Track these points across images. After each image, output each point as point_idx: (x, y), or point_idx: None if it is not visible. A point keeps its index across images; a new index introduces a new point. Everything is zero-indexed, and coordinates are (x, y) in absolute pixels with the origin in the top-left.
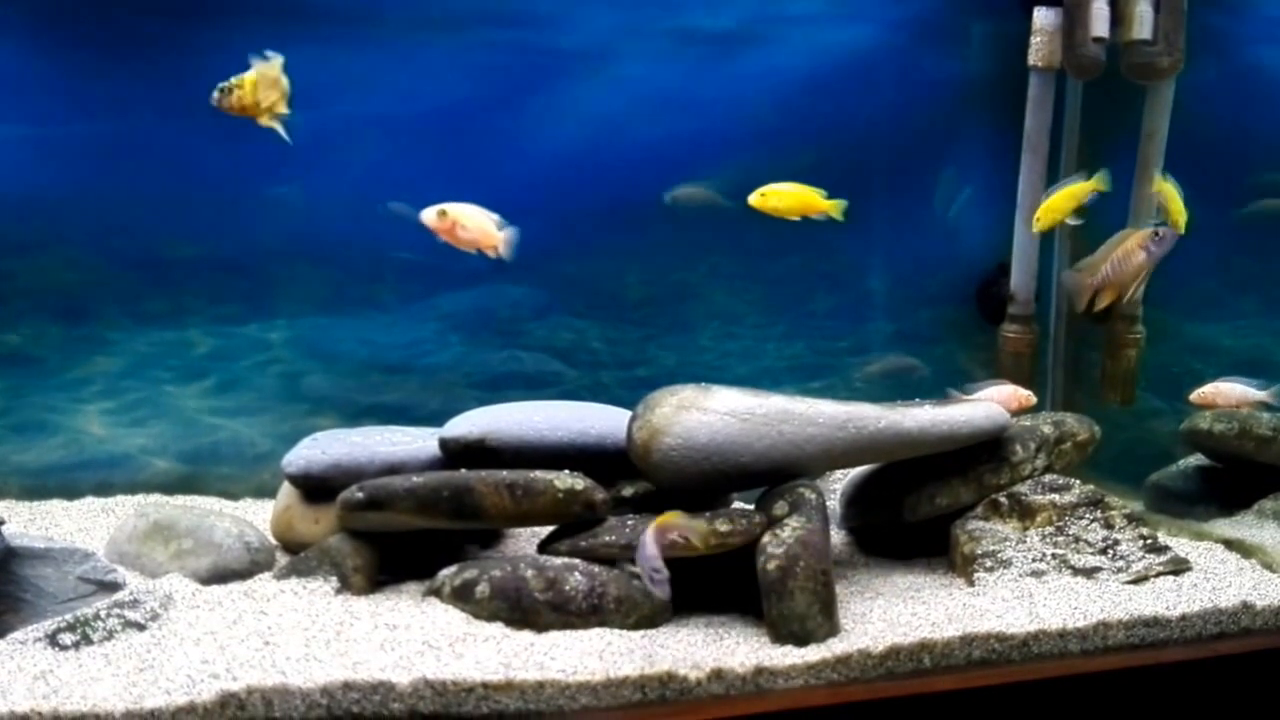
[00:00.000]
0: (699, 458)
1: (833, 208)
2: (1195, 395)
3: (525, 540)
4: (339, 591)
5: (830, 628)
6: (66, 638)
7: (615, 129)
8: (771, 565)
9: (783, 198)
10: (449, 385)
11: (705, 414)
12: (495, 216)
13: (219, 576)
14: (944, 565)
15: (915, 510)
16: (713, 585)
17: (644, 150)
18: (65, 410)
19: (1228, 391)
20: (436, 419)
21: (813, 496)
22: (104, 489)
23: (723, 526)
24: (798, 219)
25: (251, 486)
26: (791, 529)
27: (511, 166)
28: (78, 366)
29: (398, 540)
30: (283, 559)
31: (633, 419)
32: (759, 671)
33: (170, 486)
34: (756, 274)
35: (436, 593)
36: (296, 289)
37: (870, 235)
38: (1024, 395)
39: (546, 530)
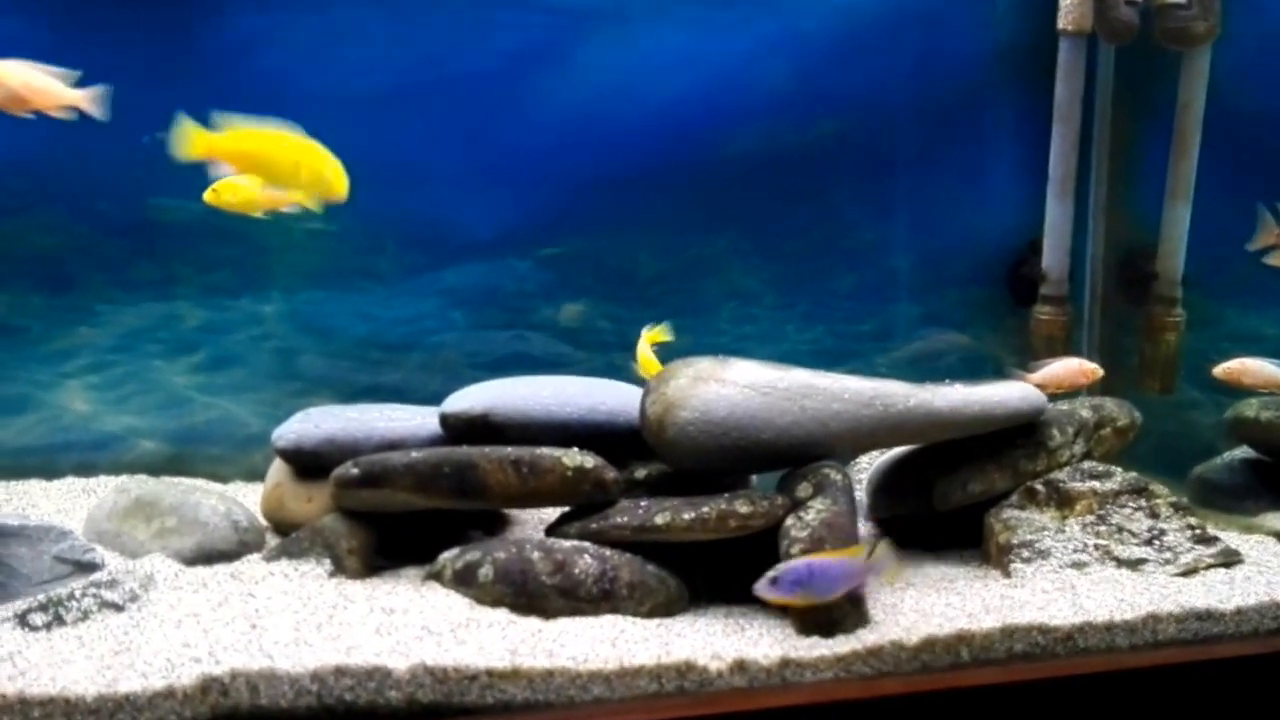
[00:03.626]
0: (717, 433)
1: (304, 197)
2: (1220, 370)
3: (532, 526)
4: (332, 574)
5: (859, 617)
6: (38, 618)
7: (626, 94)
8: (796, 549)
9: (238, 192)
10: (451, 365)
11: (724, 386)
12: (68, 72)
13: (204, 557)
14: (977, 556)
15: (947, 498)
16: (731, 572)
17: (657, 117)
18: (46, 385)
19: (1255, 369)
20: (437, 400)
21: (838, 478)
22: (86, 469)
23: (743, 508)
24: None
25: (242, 469)
26: (816, 511)
27: (515, 133)
28: (60, 338)
29: (395, 522)
30: (273, 540)
31: (646, 393)
32: (784, 663)
33: (156, 468)
34: (776, 250)
35: (437, 576)
36: (292, 259)
37: (894, 211)
38: (1090, 368)
39: (552, 516)
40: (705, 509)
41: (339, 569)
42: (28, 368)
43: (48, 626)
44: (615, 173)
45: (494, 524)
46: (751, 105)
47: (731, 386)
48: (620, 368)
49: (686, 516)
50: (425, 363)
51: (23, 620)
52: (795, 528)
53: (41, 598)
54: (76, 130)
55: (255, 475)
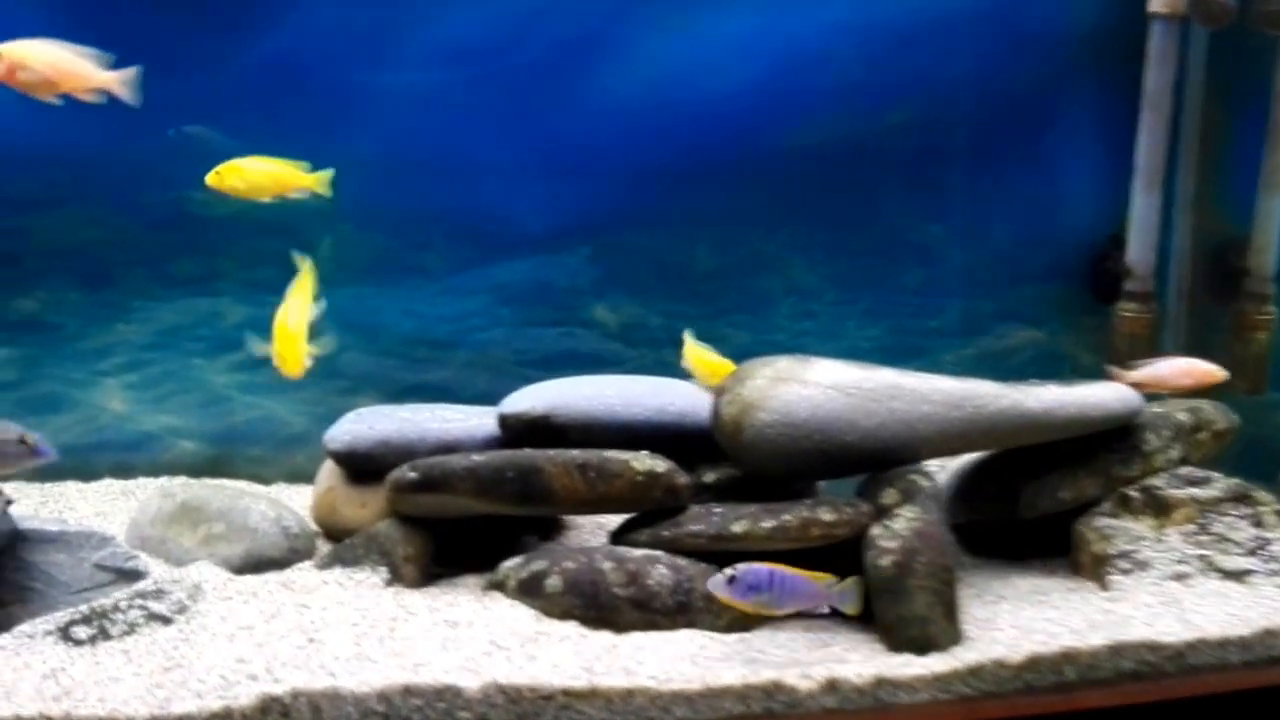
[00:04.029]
0: (798, 436)
1: (315, 182)
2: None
3: (589, 532)
4: (389, 583)
5: (954, 634)
6: (81, 631)
7: (686, 81)
8: (885, 561)
9: (245, 176)
10: (498, 363)
11: (806, 387)
12: (101, 53)
13: (253, 565)
14: (1064, 567)
15: (1033, 505)
16: None
17: (717, 106)
18: (83, 383)
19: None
20: (484, 401)
21: (927, 484)
22: (123, 470)
23: (826, 515)
24: (270, 200)
25: (284, 470)
26: (906, 520)
27: (570, 124)
28: (98, 335)
29: (450, 528)
30: (324, 546)
31: (720, 393)
32: (879, 683)
33: (196, 469)
34: (839, 244)
35: (499, 586)
36: (338, 254)
37: (966, 203)
38: (1208, 369)
39: (612, 522)
40: (786, 516)
41: (395, 577)
42: (64, 366)
43: (92, 640)
44: (672, 164)
45: (550, 530)
46: (817, 94)
47: (814, 387)
48: (673, 366)
49: (766, 524)
50: (472, 361)
51: (65, 633)
52: (883, 537)
53: (84, 608)
54: (117, 120)
55: (298, 477)
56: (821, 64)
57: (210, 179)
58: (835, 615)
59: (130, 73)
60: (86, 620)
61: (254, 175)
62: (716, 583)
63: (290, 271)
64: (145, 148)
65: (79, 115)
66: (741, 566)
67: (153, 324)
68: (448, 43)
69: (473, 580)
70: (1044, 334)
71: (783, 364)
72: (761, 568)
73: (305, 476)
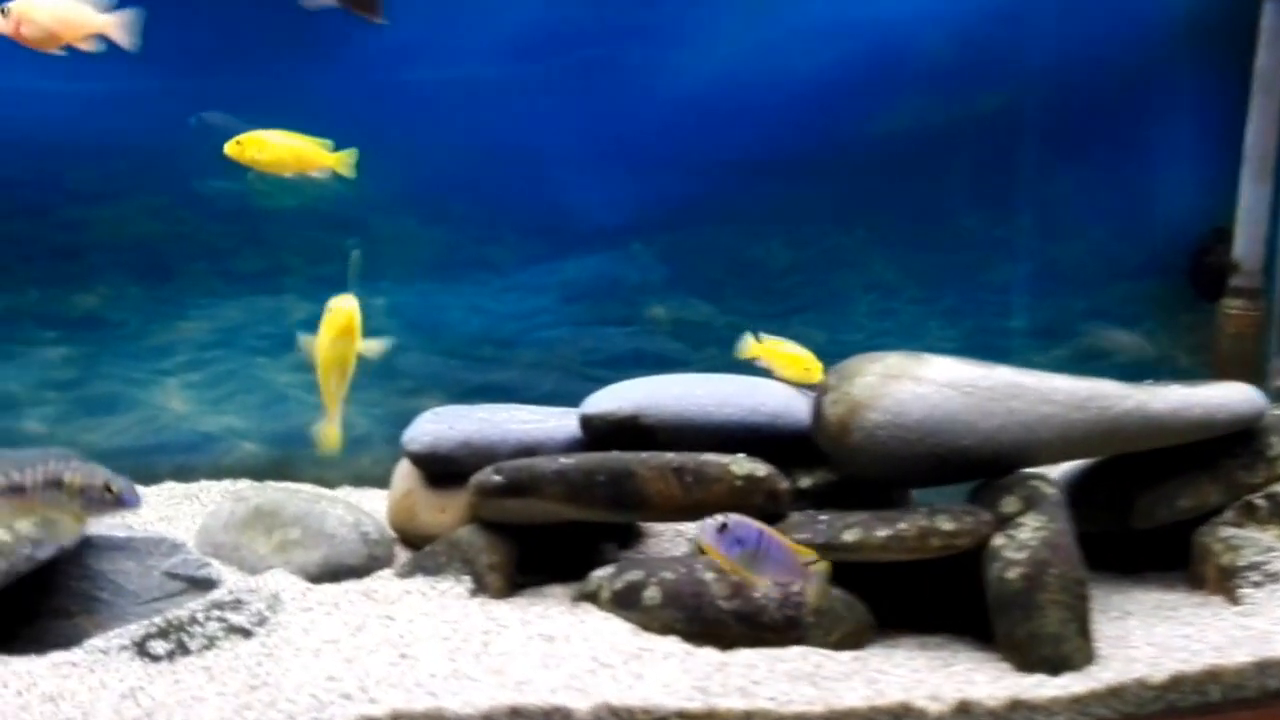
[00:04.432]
0: (911, 439)
1: (337, 162)
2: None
3: (669, 540)
4: (474, 593)
5: (1088, 652)
6: (158, 646)
7: (762, 66)
8: (1013, 574)
9: (265, 148)
10: (566, 363)
11: (920, 385)
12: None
13: (331, 573)
14: (1182, 580)
15: (1150, 514)
16: (914, 597)
17: (795, 94)
18: (144, 383)
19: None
20: (550, 402)
21: (1051, 491)
22: (184, 473)
23: (946, 524)
24: (291, 175)
25: (349, 473)
26: (1032, 530)
27: (642, 109)
28: (160, 332)
29: (532, 535)
30: (402, 553)
31: (823, 392)
32: (1014, 705)
33: (259, 471)
34: (921, 238)
35: (592, 598)
36: (403, 249)
37: (1060, 193)
38: None
39: (692, 527)
40: (902, 525)
41: (480, 587)
42: (123, 364)
43: (170, 655)
44: (747, 154)
45: (628, 537)
46: (902, 79)
47: (929, 385)
48: (744, 367)
49: (881, 534)
50: (539, 360)
51: (141, 648)
52: (1008, 548)
53: (160, 621)
54: (180, 110)
55: (362, 480)
56: (906, 46)
57: (230, 148)
58: (947, 630)
59: (129, 14)
60: (163, 634)
61: (275, 148)
62: (707, 527)
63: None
64: (208, 138)
65: (142, 105)
66: (735, 518)
67: (215, 321)
68: (517, 32)
69: (559, 590)
70: (1140, 334)
71: (894, 360)
72: (753, 525)
73: (370, 480)
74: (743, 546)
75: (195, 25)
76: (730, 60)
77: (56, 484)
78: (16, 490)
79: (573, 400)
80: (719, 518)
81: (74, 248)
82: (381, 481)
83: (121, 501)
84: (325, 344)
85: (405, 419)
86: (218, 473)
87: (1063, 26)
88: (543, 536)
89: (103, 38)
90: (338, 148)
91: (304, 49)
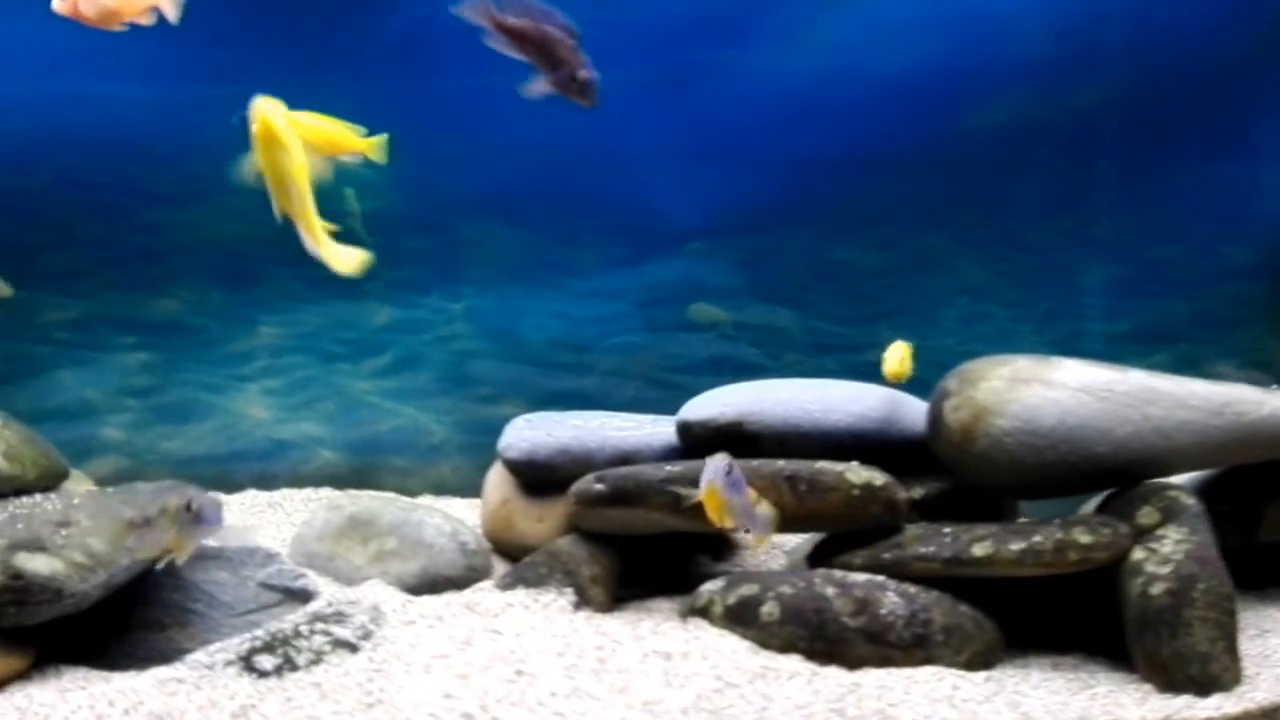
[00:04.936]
0: (1042, 446)
1: (369, 147)
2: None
3: (763, 552)
4: (577, 606)
5: (1236, 672)
6: (265, 660)
7: (852, 61)
8: (1157, 589)
9: (300, 130)
10: (646, 369)
11: (1051, 389)
12: None
13: (430, 584)
14: None
15: (1278, 528)
16: (1041, 614)
17: (885, 90)
18: (221, 389)
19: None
20: (630, 407)
21: (1191, 502)
22: (264, 481)
23: (1083, 537)
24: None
25: (428, 482)
26: (1174, 543)
27: (727, 109)
28: (240, 338)
29: (631, 546)
30: (499, 564)
31: (943, 397)
32: None
33: (339, 480)
34: (1016, 239)
35: (703, 613)
36: (485, 252)
37: (1161, 192)
38: None
39: (789, 542)
40: (1037, 538)
41: (583, 600)
42: (202, 370)
43: (278, 671)
44: (836, 154)
45: (720, 550)
46: (998, 72)
47: (1060, 389)
48: (831, 372)
49: (1014, 548)
50: (619, 366)
51: (248, 663)
52: (1150, 562)
53: (264, 634)
54: None
55: (442, 489)
56: (1004, 39)
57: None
58: (1078, 649)
59: None
60: (268, 647)
61: (306, 130)
62: (718, 469)
63: (438, 272)
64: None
65: (222, 107)
66: (738, 464)
67: (294, 327)
68: (600, 36)
69: (664, 604)
70: (1247, 338)
71: (1022, 363)
72: (723, 460)
73: (450, 489)
74: (736, 493)
75: (280, 30)
76: (816, 57)
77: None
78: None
79: (654, 407)
80: (725, 457)
81: (154, 251)
82: (461, 490)
83: (200, 520)
84: (259, 161)
85: (482, 427)
86: (297, 481)
87: (1168, 18)
88: (639, 548)
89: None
90: (372, 137)
91: (387, 53)
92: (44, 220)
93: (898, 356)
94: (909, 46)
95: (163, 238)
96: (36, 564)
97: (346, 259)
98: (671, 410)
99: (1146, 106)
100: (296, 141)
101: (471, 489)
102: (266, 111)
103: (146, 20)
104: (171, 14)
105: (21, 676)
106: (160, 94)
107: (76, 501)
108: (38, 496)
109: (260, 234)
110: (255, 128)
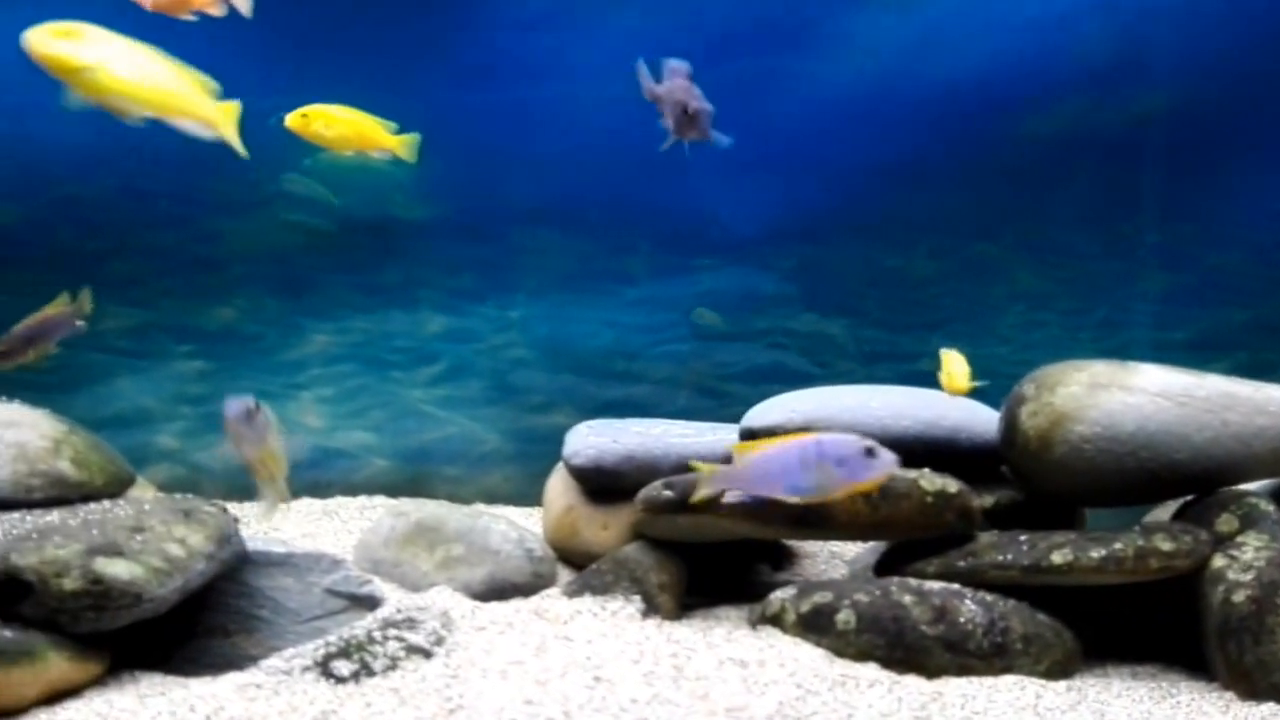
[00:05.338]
0: (1122, 453)
1: (399, 144)
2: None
3: (824, 561)
4: (645, 614)
5: None
6: (342, 666)
7: (908, 67)
8: (1239, 597)
9: (332, 124)
10: (700, 378)
11: (1131, 395)
12: None
13: (496, 591)
14: None
15: None
16: (1117, 623)
17: (941, 96)
18: (278, 396)
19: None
20: (684, 416)
21: (1270, 509)
22: (316, 489)
23: (1164, 544)
24: (350, 154)
25: (480, 490)
26: (1255, 549)
27: (782, 112)
28: (296, 346)
29: (696, 554)
30: (564, 572)
31: (1018, 403)
32: None
33: (393, 488)
34: (1073, 246)
35: (774, 620)
36: (539, 260)
37: (1218, 199)
38: None
39: (849, 550)
40: (1117, 545)
41: (651, 608)
42: (257, 378)
43: (355, 677)
44: (891, 160)
45: (780, 559)
46: (1057, 80)
47: (1140, 394)
48: (884, 380)
49: (1095, 555)
50: (671, 375)
51: (325, 669)
52: (1232, 569)
53: (337, 639)
54: None
55: (494, 497)
56: (1064, 45)
57: (294, 121)
58: (1153, 658)
59: None
60: (344, 653)
61: (341, 124)
62: (877, 463)
63: (491, 281)
64: (343, 165)
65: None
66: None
67: (348, 335)
68: (657, 46)
69: (731, 612)
70: None
71: (1100, 368)
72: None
73: (502, 497)
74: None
75: (337, 41)
76: (870, 64)
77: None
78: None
79: (704, 415)
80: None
81: (212, 260)
82: (513, 499)
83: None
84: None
85: (533, 435)
86: (349, 489)
87: (1231, 22)
88: (700, 557)
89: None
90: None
91: (444, 64)
92: (105, 229)
93: (963, 372)
94: (964, 53)
95: (220, 246)
96: (116, 569)
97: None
98: (722, 418)
99: (1202, 112)
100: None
101: (523, 498)
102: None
103: (217, 11)
104: (244, 7)
105: (97, 682)
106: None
107: (147, 507)
108: (106, 503)
109: (315, 242)
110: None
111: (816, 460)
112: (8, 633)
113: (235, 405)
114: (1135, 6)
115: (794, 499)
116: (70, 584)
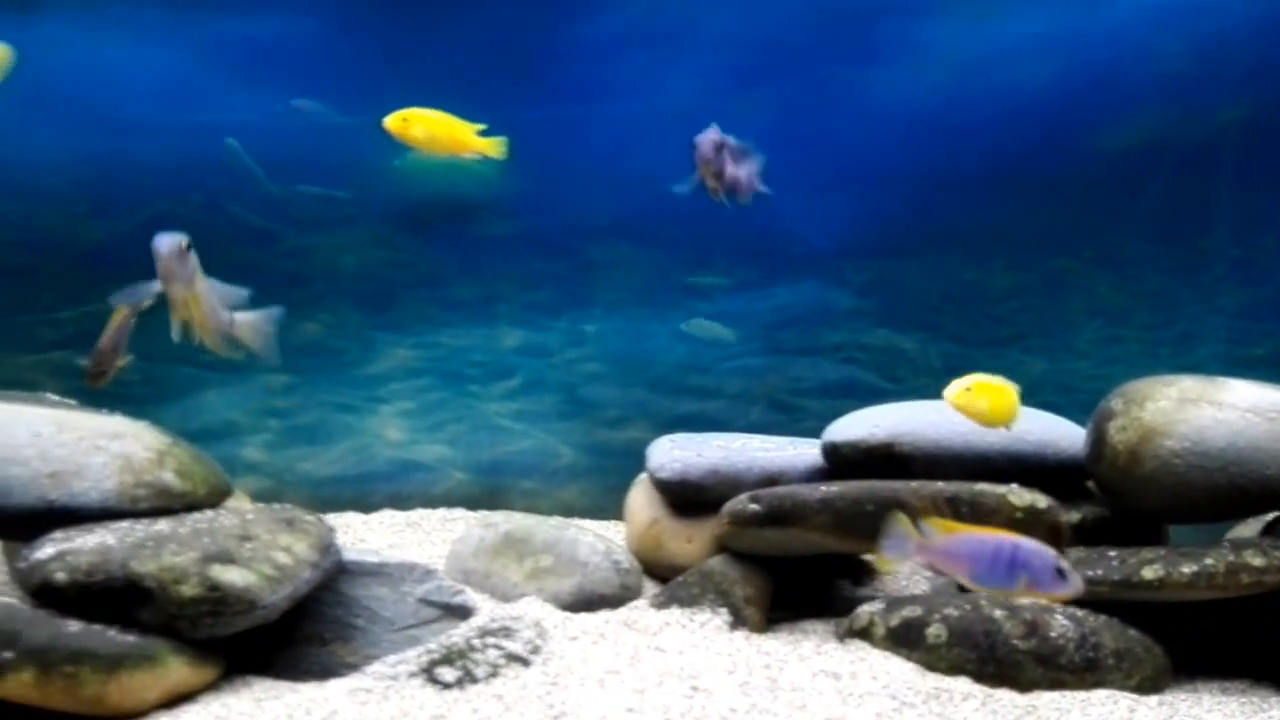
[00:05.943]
0: (1212, 468)
1: (490, 147)
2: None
3: (904, 576)
4: (733, 626)
5: None
6: (446, 673)
7: (984, 78)
8: None
9: (428, 126)
10: (774, 392)
11: (1221, 410)
12: None
13: (585, 602)
14: None
15: None
16: (1205, 639)
17: (1017, 109)
18: (358, 410)
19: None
20: (758, 430)
21: None
22: (396, 502)
23: (1255, 560)
24: (444, 156)
25: (557, 504)
26: None
27: (858, 130)
28: (378, 360)
29: (781, 568)
30: (649, 584)
31: (1106, 418)
32: None
33: (471, 501)
34: (1152, 259)
35: (863, 634)
36: (615, 275)
37: None
38: None
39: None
40: (1208, 560)
41: (738, 620)
42: (340, 392)
43: (460, 684)
44: (967, 173)
45: (861, 573)
46: (1134, 92)
47: (1230, 410)
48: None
49: (1186, 570)
50: (745, 389)
51: (430, 675)
52: None
53: (437, 646)
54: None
55: (571, 510)
56: (1140, 56)
57: (393, 123)
58: (1242, 675)
59: None
60: (448, 660)
61: (435, 126)
62: (1064, 585)
63: (568, 296)
64: (433, 164)
65: (364, 133)
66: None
67: (429, 349)
68: (732, 58)
69: (817, 626)
70: None
71: (1189, 383)
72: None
73: (579, 510)
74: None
75: (417, 60)
76: (946, 75)
77: None
78: None
79: (778, 430)
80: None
81: (299, 275)
82: (589, 512)
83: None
84: None
85: (608, 450)
86: (429, 501)
87: None
88: (781, 571)
89: None
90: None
91: (527, 82)
92: (193, 247)
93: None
94: (1041, 64)
95: (307, 262)
96: (231, 576)
97: None
98: (795, 433)
99: None
100: None
101: (599, 511)
102: None
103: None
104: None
105: (212, 687)
106: (303, 123)
107: (250, 516)
108: (209, 512)
109: (400, 258)
110: None
111: (1009, 563)
112: (129, 637)
113: (167, 241)
114: (1213, 18)
115: (976, 588)
116: (189, 590)
